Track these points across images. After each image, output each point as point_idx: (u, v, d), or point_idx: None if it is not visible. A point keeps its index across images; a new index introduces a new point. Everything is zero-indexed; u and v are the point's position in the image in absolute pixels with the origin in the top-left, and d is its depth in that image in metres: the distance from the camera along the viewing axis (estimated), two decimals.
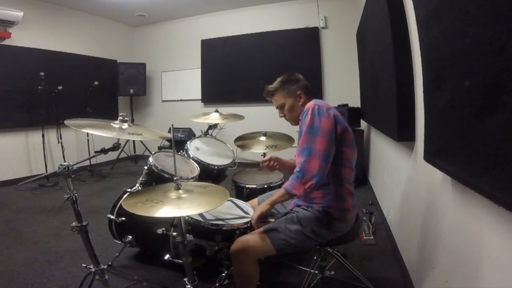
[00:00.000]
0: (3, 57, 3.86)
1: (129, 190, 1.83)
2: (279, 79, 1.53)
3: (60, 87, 4.06)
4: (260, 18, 4.98)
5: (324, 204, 1.34)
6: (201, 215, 1.56)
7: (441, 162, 1.10)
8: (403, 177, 1.98)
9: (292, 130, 3.02)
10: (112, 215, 1.88)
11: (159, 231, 1.36)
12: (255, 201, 1.75)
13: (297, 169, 1.27)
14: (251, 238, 1.33)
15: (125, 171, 4.89)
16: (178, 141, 4.58)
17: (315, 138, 1.25)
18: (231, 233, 1.48)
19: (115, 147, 1.60)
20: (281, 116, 1.55)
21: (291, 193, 1.27)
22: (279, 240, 1.31)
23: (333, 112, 1.32)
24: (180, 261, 1.32)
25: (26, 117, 4.12)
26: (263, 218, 1.35)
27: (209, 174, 2.36)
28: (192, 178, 2.00)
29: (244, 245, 1.31)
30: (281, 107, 1.52)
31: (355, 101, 4.01)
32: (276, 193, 1.35)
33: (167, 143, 4.94)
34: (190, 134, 4.95)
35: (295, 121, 1.51)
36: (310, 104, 1.35)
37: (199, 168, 2.16)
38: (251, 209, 1.64)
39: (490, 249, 0.85)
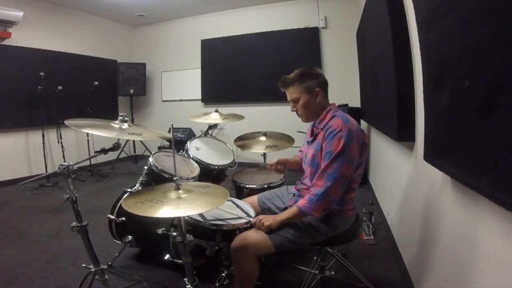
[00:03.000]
0: (3, 57, 3.86)
1: (129, 190, 1.83)
2: (297, 71, 1.40)
3: (60, 87, 4.05)
4: (260, 18, 4.98)
5: None
6: (201, 215, 1.55)
7: (441, 162, 1.10)
8: (403, 177, 1.98)
9: (292, 130, 3.02)
10: (112, 215, 1.88)
11: (159, 231, 1.37)
12: (254, 198, 1.73)
13: (318, 191, 1.25)
14: (251, 235, 1.34)
15: (125, 171, 4.89)
16: (178, 141, 4.58)
17: (342, 165, 1.23)
18: (231, 233, 1.48)
19: (115, 147, 1.60)
20: (293, 111, 1.46)
21: (310, 215, 1.29)
22: (277, 236, 1.32)
23: (358, 133, 1.29)
24: (180, 261, 1.32)
25: (26, 117, 4.12)
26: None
27: (209, 174, 2.36)
28: (192, 178, 2.00)
29: (244, 241, 1.32)
30: (294, 101, 1.41)
31: (355, 101, 4.01)
32: (288, 213, 1.33)
33: (167, 143, 4.94)
34: (190, 134, 4.95)
35: (307, 118, 1.45)
36: (339, 123, 1.28)
37: (199, 168, 2.16)
38: (251, 209, 1.63)
39: (490, 249, 0.85)
